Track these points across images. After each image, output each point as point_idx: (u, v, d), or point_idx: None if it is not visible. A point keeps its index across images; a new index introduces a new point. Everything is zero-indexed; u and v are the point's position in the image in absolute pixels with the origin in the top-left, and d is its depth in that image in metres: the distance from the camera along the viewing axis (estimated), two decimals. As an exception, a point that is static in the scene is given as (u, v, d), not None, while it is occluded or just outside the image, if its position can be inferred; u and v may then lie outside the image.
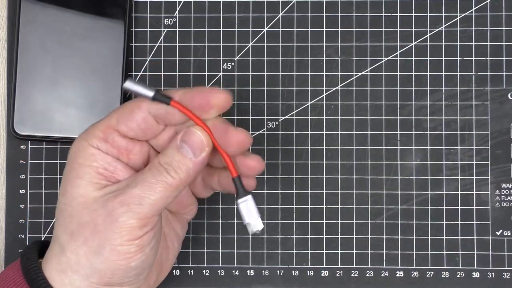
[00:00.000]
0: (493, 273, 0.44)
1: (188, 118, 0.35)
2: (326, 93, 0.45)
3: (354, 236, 0.44)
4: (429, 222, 0.44)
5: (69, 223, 0.34)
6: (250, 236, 0.44)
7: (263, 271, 0.44)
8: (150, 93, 0.34)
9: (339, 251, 0.44)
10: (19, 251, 0.44)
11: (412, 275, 0.44)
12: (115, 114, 0.35)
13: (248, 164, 0.36)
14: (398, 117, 0.45)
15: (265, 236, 0.45)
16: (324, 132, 0.45)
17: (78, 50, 0.44)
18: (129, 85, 0.34)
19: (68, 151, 0.35)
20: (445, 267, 0.44)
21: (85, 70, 0.44)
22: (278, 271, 0.44)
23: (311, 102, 0.45)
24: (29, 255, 0.36)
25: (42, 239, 0.44)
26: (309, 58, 0.45)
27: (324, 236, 0.45)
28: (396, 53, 0.45)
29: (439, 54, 0.45)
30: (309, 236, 0.45)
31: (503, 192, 0.44)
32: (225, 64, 0.45)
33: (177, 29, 0.45)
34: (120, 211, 0.33)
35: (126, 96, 0.45)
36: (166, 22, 0.45)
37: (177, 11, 0.45)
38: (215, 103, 0.34)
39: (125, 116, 0.35)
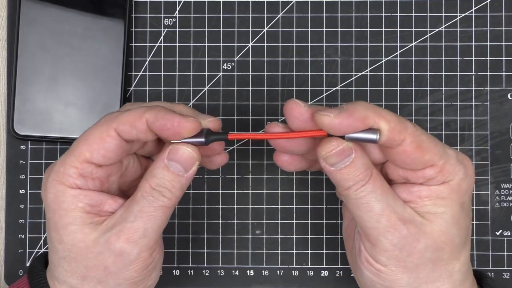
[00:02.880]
0: (493, 273, 0.44)
1: (157, 133, 0.33)
2: (326, 93, 0.45)
3: (354, 236, 0.44)
4: (429, 222, 0.44)
5: (76, 268, 0.33)
6: (250, 236, 0.45)
7: (263, 271, 0.44)
8: (201, 140, 0.33)
9: (339, 251, 0.44)
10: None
11: (412, 275, 0.44)
12: (85, 146, 0.32)
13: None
14: (398, 117, 0.45)
15: (265, 236, 0.45)
16: (324, 132, 0.45)
17: (78, 50, 0.44)
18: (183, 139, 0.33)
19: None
20: (445, 267, 0.44)
21: (85, 70, 0.44)
22: (278, 271, 0.44)
23: (311, 102, 0.45)
24: (38, 277, 0.35)
25: (42, 239, 0.45)
26: (309, 58, 0.45)
27: (324, 236, 0.45)
28: (396, 53, 0.45)
29: (439, 54, 0.45)
30: (309, 236, 0.45)
31: (502, 192, 0.44)
32: (225, 64, 0.45)
33: (177, 29, 0.45)
34: (128, 249, 0.32)
35: (126, 96, 0.45)
36: (166, 22, 0.45)
37: (177, 11, 0.45)
38: (184, 133, 0.33)
39: (98, 147, 0.32)
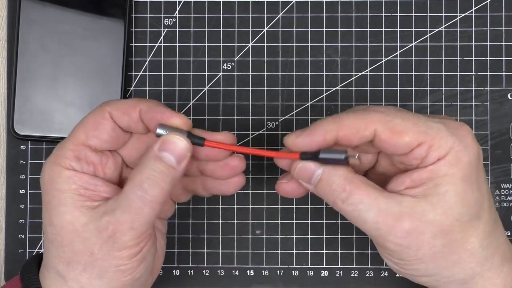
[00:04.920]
0: (493, 273, 0.44)
1: (148, 127, 0.34)
2: (326, 93, 0.45)
3: (354, 236, 0.44)
4: (429, 222, 0.44)
5: (62, 252, 0.33)
6: (250, 236, 0.45)
7: (263, 271, 0.44)
8: (184, 135, 0.33)
9: (339, 251, 0.44)
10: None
11: (412, 275, 0.44)
12: (82, 129, 0.34)
13: (230, 163, 0.36)
14: (398, 117, 0.45)
15: (265, 236, 0.45)
16: (324, 132, 0.45)
17: (78, 50, 0.44)
18: (161, 130, 0.33)
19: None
20: (445, 267, 0.44)
21: (85, 70, 0.44)
22: (278, 271, 0.44)
23: (311, 102, 0.45)
24: (29, 273, 0.35)
25: (42, 239, 0.44)
26: (309, 58, 0.45)
27: (324, 236, 0.45)
28: (396, 53, 0.45)
29: (439, 54, 0.45)
30: (309, 236, 0.45)
31: (503, 192, 0.44)
32: (225, 64, 0.45)
33: (177, 29, 0.45)
34: (114, 237, 0.32)
35: (126, 96, 0.45)
36: (166, 22, 0.45)
37: (177, 11, 0.45)
38: (174, 124, 0.34)
39: (93, 129, 0.34)
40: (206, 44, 0.45)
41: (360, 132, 0.32)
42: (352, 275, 0.44)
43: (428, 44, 0.45)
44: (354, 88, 0.45)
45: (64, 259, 0.33)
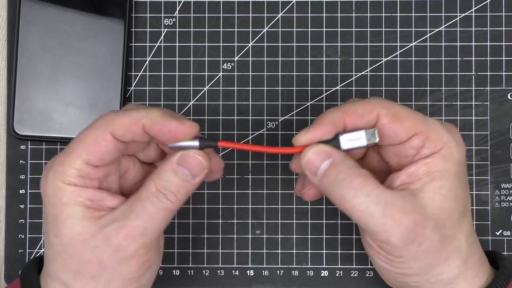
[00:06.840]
0: (493, 273, 0.44)
1: (153, 137, 0.33)
2: (326, 93, 0.45)
3: (354, 236, 0.44)
4: (429, 222, 0.44)
5: (70, 263, 0.33)
6: (250, 236, 0.45)
7: (263, 271, 0.44)
8: (196, 144, 0.33)
9: (339, 251, 0.44)
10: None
11: (412, 275, 0.44)
12: (82, 148, 0.33)
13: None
14: (398, 117, 0.45)
15: (265, 236, 0.45)
16: (324, 132, 0.45)
17: (78, 50, 0.44)
18: (173, 144, 0.33)
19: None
20: (445, 267, 0.44)
21: (85, 70, 0.44)
22: (278, 271, 0.44)
23: (311, 102, 0.45)
24: (30, 278, 0.35)
25: (42, 239, 0.45)
26: (309, 58, 0.45)
27: (324, 236, 0.45)
28: (396, 53, 0.45)
29: (439, 54, 0.45)
30: (309, 236, 0.45)
31: (503, 192, 0.44)
32: (225, 64, 0.45)
33: (177, 29, 0.45)
34: (125, 244, 0.32)
35: (126, 96, 0.45)
36: (166, 22, 0.45)
37: (177, 11, 0.45)
38: (181, 138, 0.33)
39: (94, 150, 0.33)
40: (206, 44, 0.45)
41: (364, 116, 0.33)
42: (352, 275, 0.44)
43: (428, 44, 0.45)
44: (354, 88, 0.45)
45: (71, 269, 0.33)
